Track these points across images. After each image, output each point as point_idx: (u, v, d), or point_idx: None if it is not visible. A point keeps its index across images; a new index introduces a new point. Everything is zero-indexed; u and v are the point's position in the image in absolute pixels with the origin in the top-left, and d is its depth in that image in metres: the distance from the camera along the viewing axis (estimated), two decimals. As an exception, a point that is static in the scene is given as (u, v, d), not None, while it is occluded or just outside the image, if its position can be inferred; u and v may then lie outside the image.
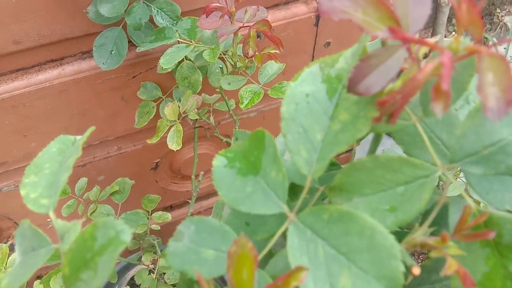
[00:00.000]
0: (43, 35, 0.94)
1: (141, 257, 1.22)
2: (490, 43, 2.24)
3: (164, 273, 1.19)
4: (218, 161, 0.43)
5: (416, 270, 0.35)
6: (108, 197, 1.11)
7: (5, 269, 0.96)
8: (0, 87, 0.98)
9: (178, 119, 1.03)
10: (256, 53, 0.85)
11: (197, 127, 1.14)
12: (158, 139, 1.05)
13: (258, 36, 1.07)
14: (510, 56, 2.20)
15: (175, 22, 0.95)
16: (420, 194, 0.37)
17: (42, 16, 0.91)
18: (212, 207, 1.27)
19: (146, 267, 1.21)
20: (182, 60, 0.98)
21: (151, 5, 0.94)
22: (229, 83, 0.95)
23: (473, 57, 0.36)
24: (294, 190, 0.44)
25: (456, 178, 0.87)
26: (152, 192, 1.22)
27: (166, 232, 1.29)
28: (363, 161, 0.38)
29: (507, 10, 2.62)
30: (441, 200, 0.39)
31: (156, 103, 1.11)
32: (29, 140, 1.09)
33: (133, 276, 1.39)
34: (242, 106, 0.91)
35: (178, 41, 0.92)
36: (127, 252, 1.28)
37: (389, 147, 0.73)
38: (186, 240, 0.41)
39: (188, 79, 0.99)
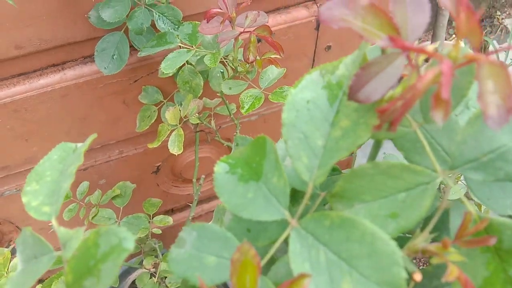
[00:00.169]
0: (45, 40, 0.95)
1: (142, 261, 1.22)
2: (491, 49, 2.25)
3: (165, 277, 1.19)
4: (220, 168, 0.43)
5: (418, 276, 0.35)
6: (109, 201, 1.11)
7: (7, 273, 0.96)
8: (2, 92, 0.98)
9: (179, 124, 1.03)
10: (257, 58, 0.85)
11: (198, 131, 1.14)
12: (159, 143, 1.05)
13: (259, 41, 1.07)
14: (511, 59, 2.20)
15: (176, 27, 0.95)
16: (421, 200, 0.37)
17: (44, 21, 0.92)
18: (213, 210, 1.27)
19: (148, 271, 1.21)
20: (183, 64, 0.98)
21: (152, 10, 0.94)
22: (230, 88, 0.95)
23: (472, 64, 0.36)
24: (294, 196, 0.44)
25: (456, 181, 0.87)
26: (153, 196, 1.22)
27: (168, 235, 1.29)
28: (364, 167, 0.39)
29: (507, 12, 2.62)
30: (442, 206, 0.39)
31: (158, 107, 1.11)
32: (31, 145, 1.09)
33: (134, 280, 1.39)
34: (243, 111, 0.91)
35: (179, 45, 0.93)
36: (128, 256, 1.28)
37: (390, 152, 0.73)
38: (188, 246, 0.41)
39: (189, 83, 0.99)
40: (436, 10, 1.74)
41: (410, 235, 0.48)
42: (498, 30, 2.56)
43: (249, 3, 0.84)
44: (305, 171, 0.38)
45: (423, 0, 0.34)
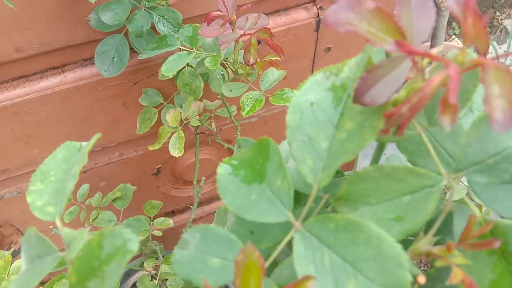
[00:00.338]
0: (45, 42, 0.94)
1: (143, 263, 1.22)
2: (490, 50, 2.25)
3: (166, 279, 1.19)
4: (223, 169, 0.43)
5: (422, 279, 0.35)
6: (110, 203, 1.11)
7: (8, 276, 0.96)
8: (2, 95, 0.98)
9: (180, 126, 1.03)
10: (257, 60, 0.86)
11: (198, 133, 1.14)
12: (160, 145, 1.05)
13: (259, 43, 1.07)
14: (511, 59, 2.20)
15: (176, 29, 0.95)
16: (426, 203, 0.37)
17: (44, 24, 0.92)
18: (214, 212, 1.27)
19: (148, 273, 1.20)
20: (184, 66, 0.98)
21: (152, 12, 0.94)
22: (230, 90, 0.95)
23: (477, 68, 0.36)
24: (297, 198, 0.44)
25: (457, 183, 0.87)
26: (153, 198, 1.22)
27: (168, 238, 1.29)
28: (368, 170, 0.39)
29: (506, 13, 2.62)
30: (446, 209, 0.39)
31: (158, 109, 1.11)
32: (31, 147, 1.09)
33: (135, 282, 1.39)
34: (244, 113, 0.91)
35: (180, 48, 0.93)
36: (129, 258, 1.28)
37: (392, 153, 0.73)
38: (192, 248, 0.41)
39: (190, 85, 0.99)
40: (436, 11, 1.74)
41: (413, 238, 0.48)
42: (498, 30, 2.56)
43: (249, 6, 0.84)
44: (310, 173, 0.38)
45: (429, 4, 0.34)
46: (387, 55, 0.37)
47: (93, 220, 1.08)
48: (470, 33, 0.31)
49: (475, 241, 0.35)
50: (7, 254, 0.97)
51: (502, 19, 2.60)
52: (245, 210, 0.40)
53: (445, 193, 0.43)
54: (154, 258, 1.21)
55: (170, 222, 1.19)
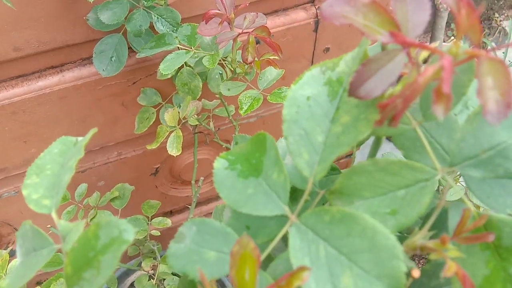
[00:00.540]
0: (44, 42, 0.95)
1: (141, 263, 1.22)
2: (489, 47, 2.25)
3: (164, 279, 1.19)
4: (219, 164, 0.43)
5: (416, 273, 0.35)
6: (108, 202, 1.11)
7: (5, 275, 0.96)
8: (0, 94, 0.98)
9: (178, 125, 1.03)
10: (255, 59, 0.86)
11: (197, 133, 1.14)
12: (158, 144, 1.05)
13: (258, 42, 1.07)
14: (509, 60, 2.20)
15: (175, 28, 0.96)
16: (421, 197, 0.37)
17: (43, 23, 0.92)
18: (212, 212, 1.27)
19: (146, 273, 1.21)
20: (182, 66, 0.98)
21: (151, 12, 0.94)
22: (228, 89, 0.95)
23: (472, 62, 0.36)
24: (294, 195, 0.44)
25: (456, 183, 0.87)
26: (152, 198, 1.22)
27: (166, 237, 1.29)
28: (363, 164, 0.39)
29: (505, 14, 2.63)
30: (440, 204, 0.39)
31: (156, 109, 1.11)
32: (29, 146, 1.09)
33: (133, 282, 1.39)
34: (241, 112, 0.92)
35: (178, 47, 0.93)
36: (127, 258, 1.29)
37: (388, 151, 0.73)
38: (188, 241, 0.41)
39: (188, 85, 0.99)
40: (434, 12, 1.75)
41: (408, 235, 0.48)
42: (496, 32, 2.57)
43: (247, 4, 0.84)
44: (306, 167, 0.38)
45: (424, -1, 0.34)
46: (383, 48, 0.37)
47: (91, 220, 1.08)
48: (464, 24, 0.31)
49: (469, 234, 0.35)
50: (5, 253, 0.97)
51: (501, 21, 2.60)
52: (242, 203, 0.40)
53: (443, 193, 0.43)
54: (152, 258, 1.22)
55: (168, 222, 1.19)
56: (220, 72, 1.00)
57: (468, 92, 0.43)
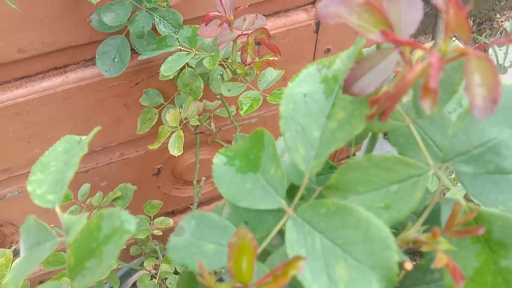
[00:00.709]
0: (47, 43, 0.96)
1: (143, 262, 1.23)
2: (490, 52, 2.26)
3: (166, 278, 1.20)
4: (218, 159, 0.44)
5: (408, 265, 0.36)
6: (110, 202, 1.12)
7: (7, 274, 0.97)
8: (4, 95, 0.99)
9: (180, 125, 1.04)
10: (255, 60, 0.87)
11: (198, 133, 1.15)
12: (160, 145, 1.06)
13: (258, 44, 1.08)
14: (510, 61, 2.21)
15: (177, 30, 0.96)
16: (413, 192, 0.38)
17: (46, 25, 0.93)
18: (213, 213, 1.27)
19: (148, 272, 1.21)
20: (184, 67, 0.99)
21: (153, 13, 0.95)
22: (229, 90, 0.96)
23: (463, 60, 0.37)
24: (292, 192, 0.45)
25: (456, 183, 0.88)
26: (154, 198, 1.23)
27: (168, 237, 1.30)
28: (358, 160, 0.40)
29: (507, 15, 2.63)
30: (434, 199, 0.40)
31: (158, 110, 1.12)
32: (33, 147, 1.10)
33: (135, 282, 1.40)
34: (241, 112, 0.93)
35: (180, 49, 0.94)
36: (129, 258, 1.29)
37: (388, 150, 0.74)
38: (187, 234, 0.42)
39: (190, 86, 1.00)
40: (435, 14, 1.76)
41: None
42: (498, 33, 2.57)
43: (246, 6, 0.85)
44: (302, 162, 0.40)
45: (416, -1, 0.35)
46: (377, 48, 0.38)
47: (94, 219, 1.09)
48: (452, 23, 0.32)
49: (460, 228, 0.36)
50: (8, 252, 0.98)
51: (502, 21, 2.61)
52: (240, 198, 0.41)
53: (444, 194, 0.44)
54: (154, 258, 1.22)
55: (170, 221, 1.20)
56: (221, 73, 1.01)
57: (462, 91, 0.44)
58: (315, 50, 1.22)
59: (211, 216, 0.43)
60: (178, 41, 0.94)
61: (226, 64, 0.98)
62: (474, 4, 2.51)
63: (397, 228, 0.50)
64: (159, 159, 1.30)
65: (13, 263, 0.98)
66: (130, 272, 1.39)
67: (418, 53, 0.39)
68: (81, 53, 1.03)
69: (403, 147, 0.43)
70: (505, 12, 2.65)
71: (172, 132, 1.04)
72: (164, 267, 1.19)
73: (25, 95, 1.00)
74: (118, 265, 1.10)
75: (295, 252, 0.36)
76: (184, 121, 1.04)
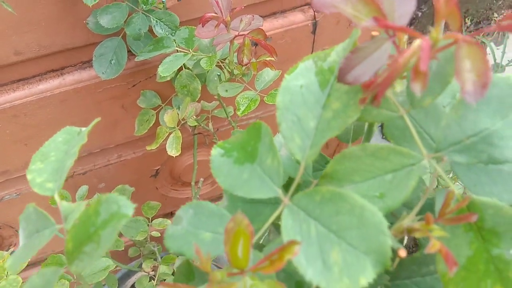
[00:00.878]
0: (44, 45, 0.96)
1: (141, 264, 1.23)
2: (488, 51, 2.26)
3: (165, 280, 1.20)
4: (216, 151, 0.45)
5: (403, 253, 0.37)
6: (108, 204, 1.12)
7: (6, 276, 0.97)
8: (1, 97, 0.99)
9: (178, 126, 1.05)
10: (252, 60, 0.87)
11: (196, 134, 1.15)
12: (158, 145, 1.06)
13: (255, 45, 1.09)
14: (508, 60, 2.22)
15: (174, 32, 0.97)
16: (407, 181, 0.38)
17: (43, 27, 0.93)
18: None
19: (147, 274, 1.22)
20: (181, 68, 1.00)
21: (150, 15, 0.96)
22: (226, 90, 0.96)
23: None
24: (289, 186, 0.46)
25: (454, 182, 0.88)
26: (152, 199, 1.23)
27: (166, 239, 1.30)
28: (353, 150, 0.40)
29: (504, 14, 2.64)
30: (428, 190, 0.41)
31: (156, 111, 1.13)
32: (30, 149, 1.10)
33: (133, 283, 1.40)
34: (239, 113, 0.93)
35: (177, 50, 0.94)
36: (127, 259, 1.30)
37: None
38: (185, 223, 0.43)
39: (187, 87, 1.01)
40: (433, 14, 1.76)
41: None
42: (495, 32, 2.58)
43: (242, 7, 0.85)
44: (298, 151, 0.40)
45: (410, -9, 0.36)
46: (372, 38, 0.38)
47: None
48: (443, 11, 0.32)
49: (453, 215, 0.37)
50: (6, 254, 0.98)
51: (500, 21, 2.61)
52: (237, 188, 0.42)
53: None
54: (153, 259, 1.23)
55: (168, 223, 1.20)
56: (219, 73, 1.01)
57: (456, 85, 0.44)
58: (312, 51, 1.23)
59: (209, 205, 0.43)
60: (175, 42, 0.95)
61: (223, 65, 0.98)
62: (472, 3, 2.52)
63: (392, 222, 0.51)
64: (157, 161, 1.30)
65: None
66: (129, 273, 1.39)
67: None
68: (78, 55, 1.03)
69: (399, 140, 0.44)
70: (503, 11, 2.65)
71: (170, 133, 1.05)
72: (162, 268, 1.19)
73: (22, 98, 1.01)
74: (116, 267, 1.11)
75: (290, 238, 0.37)
76: (182, 122, 1.04)
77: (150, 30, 0.97)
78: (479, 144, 0.39)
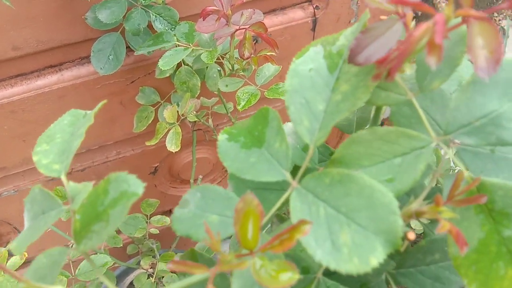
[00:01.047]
0: (42, 41, 0.96)
1: (140, 261, 1.23)
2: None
3: (163, 277, 1.19)
4: (223, 136, 0.45)
5: (411, 235, 0.37)
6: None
7: (4, 272, 0.96)
8: (-1, 93, 0.99)
9: (177, 122, 1.04)
10: (253, 55, 0.87)
11: (195, 130, 1.15)
12: (157, 141, 1.06)
13: (256, 41, 1.09)
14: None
15: (173, 27, 0.97)
16: (417, 164, 0.38)
17: (41, 22, 0.93)
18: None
19: (145, 271, 1.21)
20: (180, 65, 0.99)
21: (149, 10, 0.96)
22: (226, 85, 0.96)
23: (464, 35, 0.38)
24: (294, 174, 0.45)
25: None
26: (151, 197, 1.23)
27: (165, 236, 1.30)
28: (362, 134, 0.40)
29: (504, 14, 2.64)
30: (436, 173, 0.41)
31: (155, 108, 1.12)
32: (28, 145, 1.10)
33: (132, 281, 1.39)
34: (239, 107, 0.93)
35: (176, 44, 0.94)
36: (126, 257, 1.29)
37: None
38: (192, 206, 0.42)
39: (187, 83, 1.01)
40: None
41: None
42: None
43: (243, 1, 0.85)
44: (307, 134, 0.40)
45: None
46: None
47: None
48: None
49: (462, 197, 0.36)
50: (3, 250, 0.97)
51: (499, 20, 2.62)
52: (245, 171, 0.41)
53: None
54: (151, 256, 1.22)
55: (167, 220, 1.20)
56: (219, 69, 1.01)
57: (463, 72, 0.44)
58: (311, 48, 1.22)
59: (216, 188, 0.43)
60: (175, 37, 0.94)
61: (223, 61, 0.98)
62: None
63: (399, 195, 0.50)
64: (156, 158, 1.30)
65: (8, 262, 0.97)
66: (127, 271, 1.39)
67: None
68: (76, 51, 1.03)
69: (406, 127, 0.44)
70: (503, 10, 2.65)
71: (170, 129, 1.04)
72: (161, 265, 1.19)
73: (20, 93, 1.00)
74: (114, 264, 1.10)
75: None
76: (182, 117, 1.04)
77: (150, 26, 0.97)
78: (488, 126, 0.39)
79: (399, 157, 0.39)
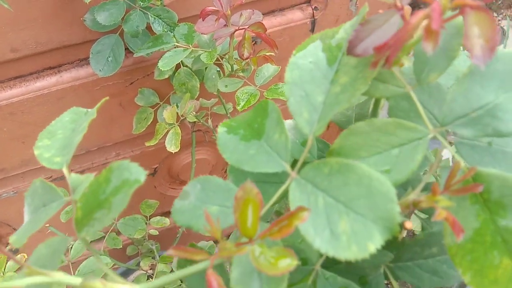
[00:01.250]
0: (41, 43, 0.96)
1: (139, 262, 1.23)
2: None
3: (162, 278, 1.19)
4: (222, 129, 0.45)
5: (409, 224, 0.37)
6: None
7: (3, 273, 0.96)
8: (-2, 95, 0.99)
9: (177, 122, 1.05)
10: (252, 55, 0.87)
11: (195, 131, 1.15)
12: (157, 141, 1.06)
13: (255, 42, 1.09)
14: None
15: (172, 28, 0.97)
16: (414, 155, 0.39)
17: (40, 24, 0.93)
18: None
19: (145, 272, 1.22)
20: (179, 66, 1.00)
21: (148, 12, 0.96)
22: (226, 86, 0.97)
23: (461, 27, 0.38)
24: (293, 167, 0.46)
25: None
26: (150, 198, 1.23)
27: (165, 237, 1.30)
28: (360, 125, 0.41)
29: (503, 14, 2.65)
30: (434, 165, 0.41)
31: (154, 109, 1.13)
32: (27, 147, 1.10)
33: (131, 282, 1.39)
34: (238, 108, 0.93)
35: (176, 45, 0.94)
36: (126, 258, 1.29)
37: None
38: (192, 198, 0.43)
39: (186, 85, 1.01)
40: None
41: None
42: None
43: (243, 1, 0.86)
44: (306, 125, 0.40)
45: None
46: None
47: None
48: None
49: (459, 186, 0.37)
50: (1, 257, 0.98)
51: (499, 20, 2.62)
52: (244, 162, 0.42)
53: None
54: (151, 257, 1.23)
55: (166, 221, 1.20)
56: (218, 69, 1.01)
57: (461, 67, 0.45)
58: (309, 49, 1.23)
59: (216, 179, 0.43)
60: (175, 38, 0.95)
61: (223, 61, 0.98)
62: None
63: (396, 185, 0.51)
64: (155, 159, 1.30)
65: (8, 263, 0.97)
66: (127, 272, 1.39)
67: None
68: (75, 53, 1.03)
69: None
70: (502, 10, 2.66)
71: (169, 129, 1.05)
72: (160, 266, 1.19)
73: (19, 95, 1.01)
74: (114, 265, 1.10)
75: (298, 209, 0.37)
76: (181, 118, 1.04)
77: (148, 28, 0.98)
78: (484, 117, 0.39)
79: (396, 148, 0.40)
